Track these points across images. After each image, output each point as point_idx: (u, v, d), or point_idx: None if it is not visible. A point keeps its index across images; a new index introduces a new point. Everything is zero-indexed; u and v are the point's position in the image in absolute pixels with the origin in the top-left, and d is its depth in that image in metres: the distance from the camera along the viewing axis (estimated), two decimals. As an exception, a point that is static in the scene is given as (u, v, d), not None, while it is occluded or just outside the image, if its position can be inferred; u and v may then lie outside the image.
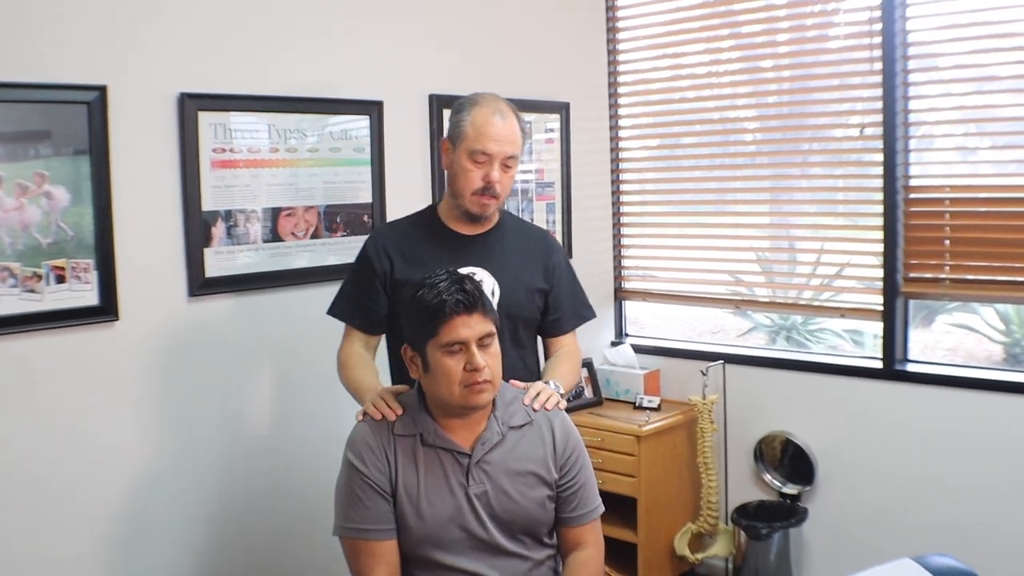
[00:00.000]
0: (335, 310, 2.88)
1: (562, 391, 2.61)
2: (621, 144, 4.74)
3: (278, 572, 3.47)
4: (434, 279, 2.26)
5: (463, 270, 2.61)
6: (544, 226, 4.19)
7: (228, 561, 3.31)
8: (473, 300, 2.21)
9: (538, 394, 2.46)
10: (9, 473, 2.77)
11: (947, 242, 3.75)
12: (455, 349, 2.20)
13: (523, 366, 2.79)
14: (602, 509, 2.47)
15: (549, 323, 2.88)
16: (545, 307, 2.86)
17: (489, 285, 2.70)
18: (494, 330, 2.26)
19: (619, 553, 4.04)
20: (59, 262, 2.82)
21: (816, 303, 4.37)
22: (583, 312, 2.97)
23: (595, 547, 2.43)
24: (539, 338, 2.95)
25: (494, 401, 2.34)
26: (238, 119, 3.24)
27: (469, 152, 2.66)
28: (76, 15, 2.84)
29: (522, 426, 2.36)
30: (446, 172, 2.81)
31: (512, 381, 2.54)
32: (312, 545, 3.47)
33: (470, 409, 2.25)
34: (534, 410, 2.40)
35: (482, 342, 2.22)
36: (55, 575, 2.88)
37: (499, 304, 2.69)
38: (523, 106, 4.10)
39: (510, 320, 2.74)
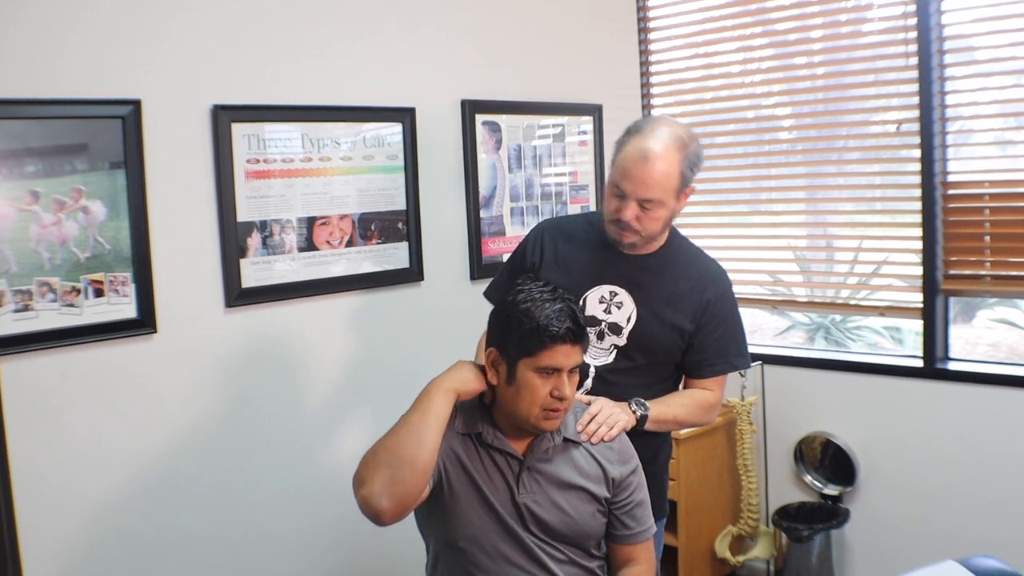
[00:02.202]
0: (488, 291, 2.84)
1: (643, 412, 2.51)
2: (655, 145, 4.71)
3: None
4: (543, 295, 2.21)
5: (604, 287, 2.62)
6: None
7: (275, 570, 3.33)
8: (582, 334, 2.20)
9: (592, 419, 2.37)
10: (49, 485, 2.80)
11: (987, 238, 3.70)
12: (549, 373, 2.18)
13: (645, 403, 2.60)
14: (655, 529, 2.44)
15: (690, 364, 2.69)
16: (688, 346, 2.66)
17: (627, 310, 2.61)
18: (581, 363, 2.25)
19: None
20: (97, 276, 2.85)
21: (854, 301, 4.33)
22: (733, 360, 2.72)
23: (647, 564, 2.40)
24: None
25: None
26: (271, 129, 3.25)
27: (610, 181, 2.55)
28: (108, 31, 2.86)
29: (577, 440, 2.33)
30: None
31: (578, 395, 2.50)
32: (366, 554, 3.49)
33: (539, 431, 2.25)
34: (592, 443, 2.34)
35: (571, 372, 2.21)
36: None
37: (632, 332, 2.60)
38: (555, 109, 4.14)
39: (643, 353, 2.63)
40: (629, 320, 2.60)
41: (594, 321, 2.61)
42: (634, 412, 2.50)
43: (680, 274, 2.66)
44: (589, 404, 2.43)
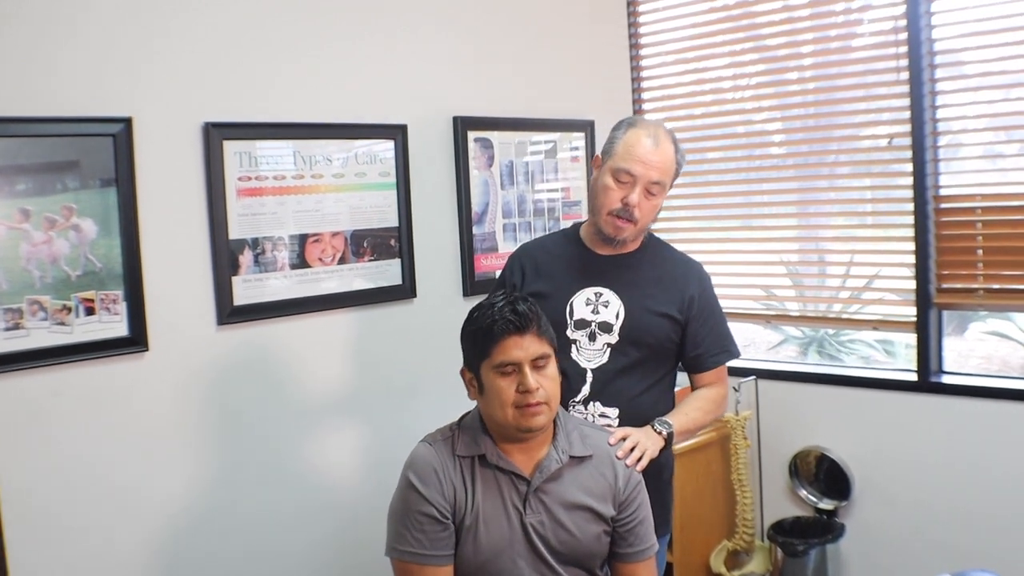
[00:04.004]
0: None
1: (669, 430, 2.56)
2: (646, 160, 4.70)
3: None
4: (491, 300, 2.27)
5: (589, 290, 2.67)
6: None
7: (262, 589, 3.31)
8: (525, 321, 2.19)
9: (625, 440, 2.43)
10: (39, 504, 2.78)
11: (980, 251, 3.70)
12: (508, 370, 2.18)
13: (653, 401, 2.70)
14: (657, 547, 2.44)
15: (690, 360, 2.77)
16: (683, 341, 2.74)
17: (615, 307, 2.66)
18: (550, 352, 2.24)
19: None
20: (88, 294, 2.83)
21: (847, 315, 4.33)
22: (728, 347, 2.81)
23: None
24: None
25: (555, 428, 2.31)
26: (263, 147, 3.24)
27: (613, 170, 2.62)
28: (100, 48, 2.86)
29: (583, 457, 2.32)
30: (590, 188, 2.78)
31: (601, 423, 2.56)
32: (355, 571, 3.48)
33: (524, 431, 2.22)
34: (627, 465, 2.36)
35: (536, 363, 2.20)
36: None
37: (622, 327, 2.64)
38: (547, 125, 4.13)
39: (636, 347, 2.66)
40: (618, 316, 2.66)
41: (583, 323, 2.66)
42: (659, 433, 2.55)
43: (660, 267, 2.76)
44: (611, 432, 2.46)
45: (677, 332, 2.72)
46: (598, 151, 4.28)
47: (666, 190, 2.68)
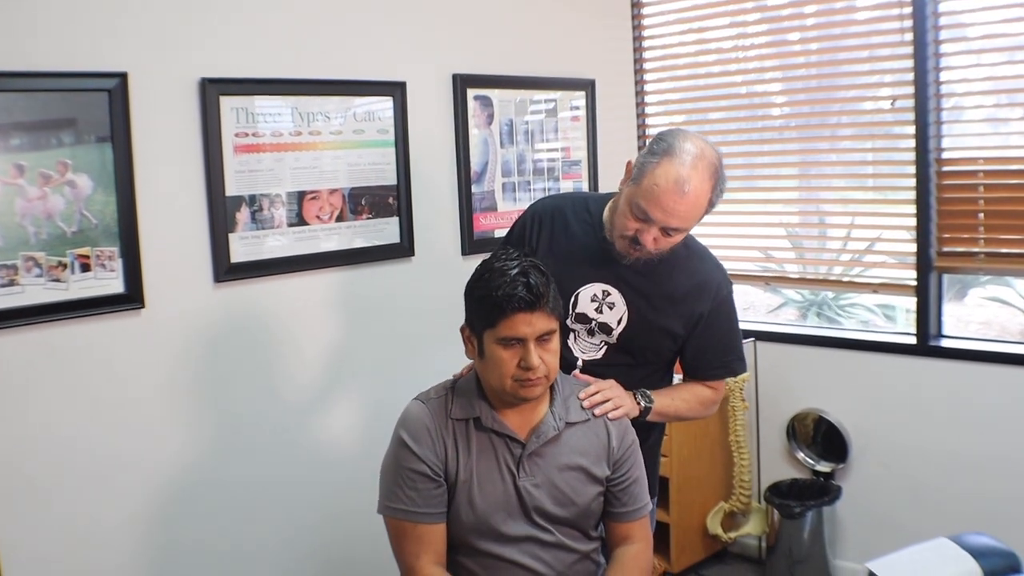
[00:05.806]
0: None
1: (647, 405, 2.50)
2: (647, 121, 4.68)
3: (320, 557, 3.49)
4: (504, 264, 2.17)
5: (597, 285, 2.55)
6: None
7: (263, 548, 3.32)
8: (536, 297, 2.11)
9: (597, 393, 2.38)
10: (38, 464, 2.78)
11: (981, 215, 3.68)
12: (512, 344, 2.14)
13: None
14: (651, 506, 2.44)
15: (687, 367, 2.67)
16: (683, 350, 2.61)
17: (619, 312, 2.54)
18: (556, 327, 2.19)
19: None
20: (84, 251, 2.82)
21: (847, 278, 4.32)
22: (729, 363, 2.66)
23: (644, 542, 2.40)
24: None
25: (552, 393, 2.30)
26: (260, 103, 3.21)
27: (631, 202, 2.36)
28: (95, 2, 2.82)
29: (578, 422, 2.31)
30: (617, 193, 2.51)
31: (576, 373, 2.50)
32: (352, 529, 3.50)
33: (520, 400, 2.21)
34: (594, 416, 2.34)
35: (541, 339, 2.16)
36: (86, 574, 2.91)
37: (621, 334, 2.55)
38: (548, 84, 4.10)
39: (631, 355, 2.58)
40: (620, 322, 2.55)
41: (584, 318, 2.56)
42: (639, 403, 2.49)
43: (678, 280, 2.57)
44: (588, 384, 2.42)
45: (677, 344, 2.61)
46: (599, 114, 4.30)
47: (688, 231, 2.45)
